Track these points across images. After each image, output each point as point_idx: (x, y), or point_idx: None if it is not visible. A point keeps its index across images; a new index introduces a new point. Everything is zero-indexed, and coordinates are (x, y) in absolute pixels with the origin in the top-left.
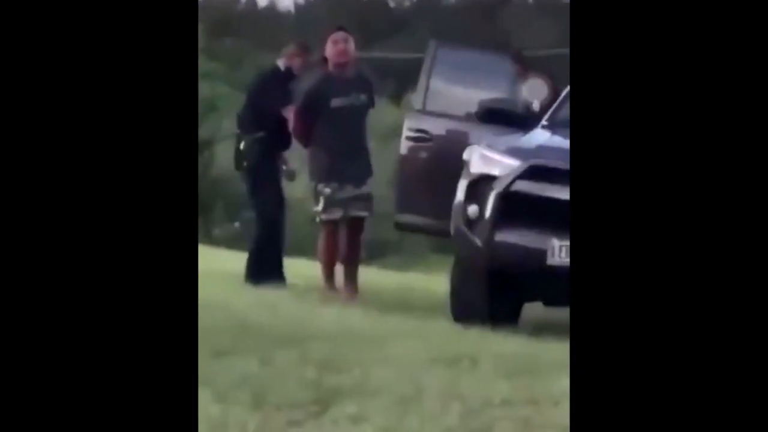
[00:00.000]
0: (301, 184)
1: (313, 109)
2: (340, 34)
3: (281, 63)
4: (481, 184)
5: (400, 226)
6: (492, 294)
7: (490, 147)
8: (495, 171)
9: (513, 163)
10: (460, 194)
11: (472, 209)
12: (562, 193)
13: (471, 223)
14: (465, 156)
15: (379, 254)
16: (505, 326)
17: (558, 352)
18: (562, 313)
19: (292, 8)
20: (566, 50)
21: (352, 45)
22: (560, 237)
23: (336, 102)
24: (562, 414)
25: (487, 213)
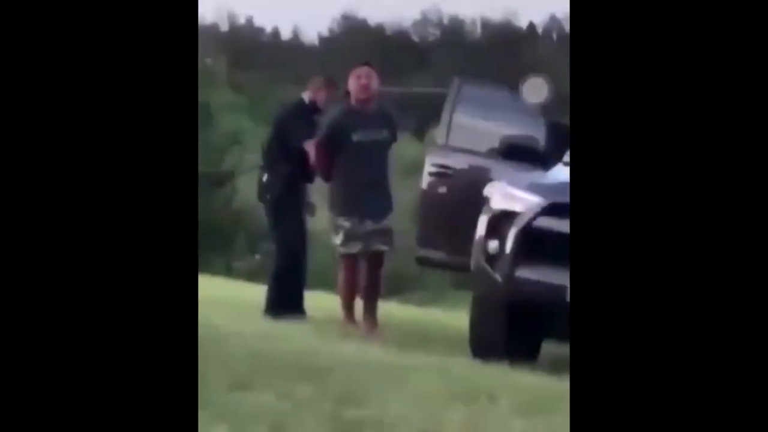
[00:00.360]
0: (322, 217)
1: (335, 142)
2: (364, 70)
3: (306, 96)
4: (502, 220)
5: (421, 261)
6: (511, 330)
7: (512, 184)
8: (516, 207)
9: (534, 200)
10: (481, 230)
11: (493, 245)
12: None
13: (491, 258)
14: (486, 192)
15: (399, 289)
16: (524, 362)
17: None
18: None
19: (316, 41)
20: None
21: (375, 80)
22: None
23: (357, 136)
24: None
25: (508, 249)
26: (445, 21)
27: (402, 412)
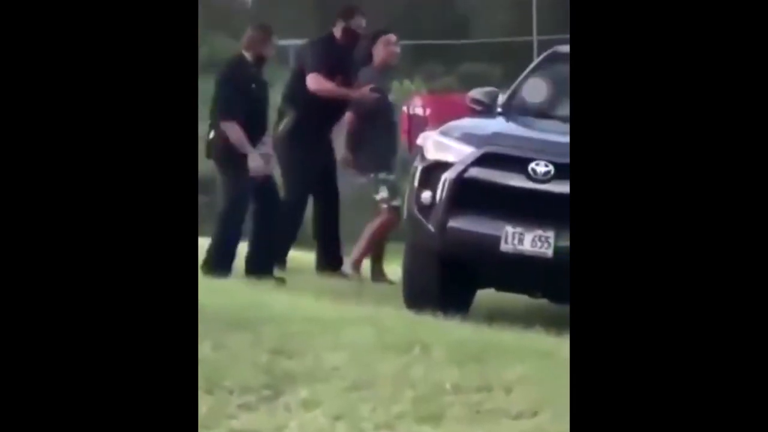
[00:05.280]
0: None
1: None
2: (392, 36)
3: (248, 54)
4: (434, 171)
5: None
6: (444, 280)
7: (445, 133)
8: (449, 157)
9: (467, 150)
10: (414, 180)
11: (426, 195)
12: (516, 180)
13: (424, 209)
14: (419, 142)
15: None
16: (457, 313)
17: (510, 339)
18: (515, 300)
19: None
20: (524, 38)
21: (398, 48)
22: (513, 224)
23: (391, 97)
24: (513, 400)
25: (440, 199)
26: None
27: (335, 363)
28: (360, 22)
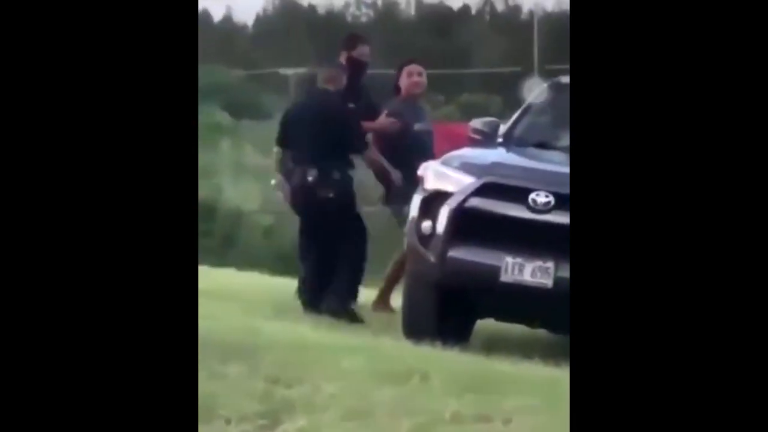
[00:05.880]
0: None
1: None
2: (416, 67)
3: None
4: (435, 200)
5: None
6: (444, 310)
7: (445, 163)
8: (449, 187)
9: (467, 180)
10: (414, 210)
11: (426, 225)
12: (516, 211)
13: (424, 239)
14: (420, 172)
15: None
16: (456, 343)
17: (509, 369)
18: (514, 331)
19: (249, 22)
20: (522, 69)
21: (425, 76)
22: (513, 254)
23: (418, 126)
24: (512, 431)
25: (441, 229)
26: (379, 1)
27: (333, 392)
28: (364, 51)
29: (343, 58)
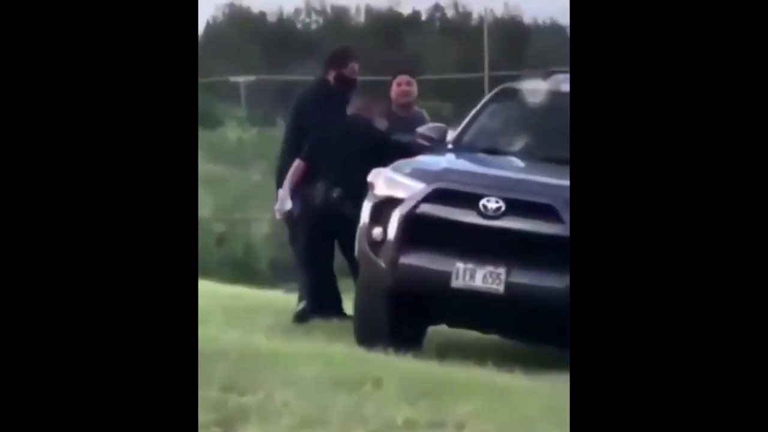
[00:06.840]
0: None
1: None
2: (404, 77)
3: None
4: (385, 207)
5: None
6: (396, 316)
7: (396, 169)
8: (400, 194)
9: (418, 186)
10: (365, 216)
11: (377, 231)
12: (467, 216)
13: (375, 245)
14: (370, 178)
15: (287, 278)
16: (409, 349)
17: (462, 374)
18: (467, 336)
19: (200, 29)
20: (472, 75)
21: (414, 86)
22: (464, 260)
23: (405, 138)
24: None
25: (391, 235)
26: (329, 9)
27: (287, 399)
28: (354, 68)
29: (331, 76)
